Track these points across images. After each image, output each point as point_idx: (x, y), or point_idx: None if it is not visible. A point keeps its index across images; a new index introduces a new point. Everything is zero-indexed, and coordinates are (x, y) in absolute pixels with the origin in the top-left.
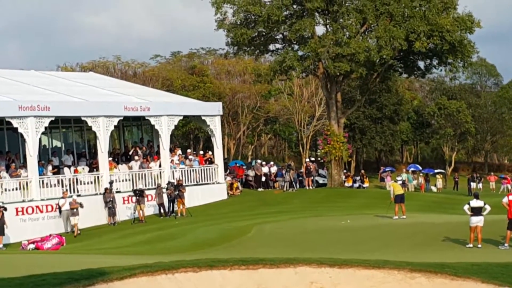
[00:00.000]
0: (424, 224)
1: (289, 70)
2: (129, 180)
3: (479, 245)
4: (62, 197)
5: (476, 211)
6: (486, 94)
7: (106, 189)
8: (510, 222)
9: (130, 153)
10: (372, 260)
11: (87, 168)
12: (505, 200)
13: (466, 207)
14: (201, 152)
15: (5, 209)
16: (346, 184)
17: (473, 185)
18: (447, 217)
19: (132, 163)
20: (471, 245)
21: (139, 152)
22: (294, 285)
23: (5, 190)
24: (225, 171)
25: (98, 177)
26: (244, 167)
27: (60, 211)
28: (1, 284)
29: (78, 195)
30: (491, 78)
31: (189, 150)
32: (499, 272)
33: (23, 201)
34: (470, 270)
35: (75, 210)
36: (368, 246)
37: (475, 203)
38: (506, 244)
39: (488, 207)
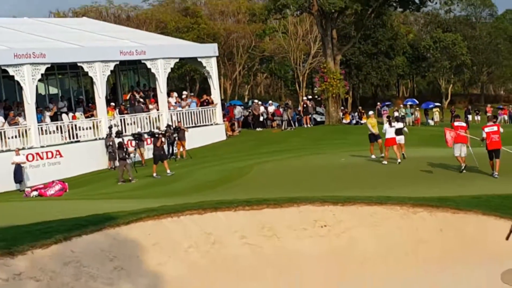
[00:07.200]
0: (423, 159)
1: (283, 8)
2: (130, 124)
3: (399, 160)
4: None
5: (398, 131)
6: (481, 25)
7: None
8: (490, 153)
9: (128, 97)
10: (374, 196)
11: None
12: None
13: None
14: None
15: (164, 135)
16: (344, 121)
17: (469, 117)
18: (444, 151)
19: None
20: (385, 162)
21: (136, 96)
22: (298, 224)
23: (4, 138)
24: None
25: (96, 123)
26: (242, 107)
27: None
28: (8, 232)
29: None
30: (485, 9)
31: (185, 92)
32: (499, 204)
33: (23, 148)
34: (471, 203)
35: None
36: (369, 182)
37: (397, 125)
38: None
39: (406, 129)
